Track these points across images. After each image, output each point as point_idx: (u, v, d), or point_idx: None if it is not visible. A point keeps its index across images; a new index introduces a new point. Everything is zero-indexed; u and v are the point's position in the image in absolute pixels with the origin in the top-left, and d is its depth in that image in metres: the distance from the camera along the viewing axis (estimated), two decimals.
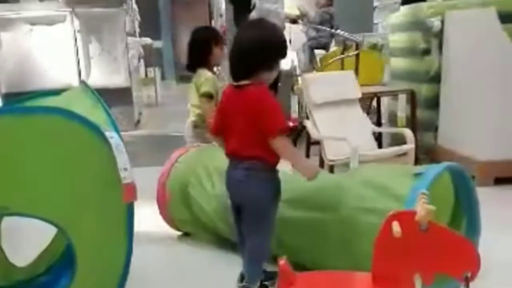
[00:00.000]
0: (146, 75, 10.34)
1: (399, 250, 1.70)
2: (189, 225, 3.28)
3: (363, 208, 2.36)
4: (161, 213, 3.32)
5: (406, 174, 2.43)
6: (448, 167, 2.45)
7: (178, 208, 3.22)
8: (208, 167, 3.16)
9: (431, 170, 2.35)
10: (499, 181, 4.09)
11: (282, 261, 1.86)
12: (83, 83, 2.77)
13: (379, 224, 1.75)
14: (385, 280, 1.76)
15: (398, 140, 4.33)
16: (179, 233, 3.41)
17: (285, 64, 7.25)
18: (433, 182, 2.27)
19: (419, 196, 1.75)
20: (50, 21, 7.06)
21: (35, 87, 6.33)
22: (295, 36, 7.51)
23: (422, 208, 1.69)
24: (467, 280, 1.69)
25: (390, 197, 2.32)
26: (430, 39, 4.61)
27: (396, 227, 1.70)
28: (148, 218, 3.35)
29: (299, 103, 4.62)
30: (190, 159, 3.30)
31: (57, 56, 7.14)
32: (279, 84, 7.37)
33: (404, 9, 5.21)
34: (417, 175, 2.35)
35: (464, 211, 2.57)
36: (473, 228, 2.54)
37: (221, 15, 13.10)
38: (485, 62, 4.03)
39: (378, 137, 4.57)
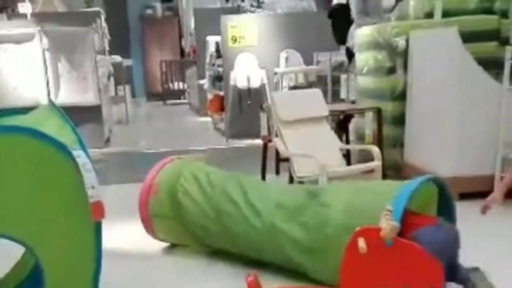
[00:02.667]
0: (116, 93, 10.30)
1: (365, 265, 1.74)
2: (169, 223, 3.26)
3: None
4: (140, 210, 3.26)
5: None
6: (432, 178, 2.53)
7: (162, 203, 3.21)
8: (194, 169, 3.22)
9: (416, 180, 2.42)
10: (464, 196, 4.16)
11: (250, 278, 1.89)
12: (50, 102, 2.77)
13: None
14: None
15: (366, 157, 4.40)
16: (151, 247, 3.40)
17: (254, 82, 7.33)
18: (418, 190, 2.34)
19: (383, 212, 1.79)
20: (18, 40, 7.01)
21: (3, 106, 6.27)
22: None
23: (386, 225, 1.73)
24: None
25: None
26: (395, 58, 4.71)
27: (361, 243, 1.74)
28: (119, 234, 3.35)
29: (268, 121, 4.65)
30: (181, 161, 3.32)
31: (25, 74, 7.08)
32: (249, 102, 7.45)
33: (370, 29, 5.31)
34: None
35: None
36: None
37: (190, 34, 13.17)
38: (449, 81, 4.13)
39: (346, 154, 4.63)
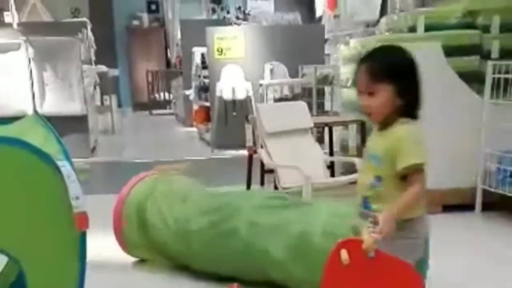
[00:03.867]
0: (102, 102, 10.27)
1: (347, 277, 1.75)
2: (144, 249, 3.32)
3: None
4: (116, 238, 3.33)
5: None
6: None
7: (134, 232, 3.26)
8: (163, 190, 3.23)
9: None
10: (447, 208, 4.22)
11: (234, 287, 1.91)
12: (35, 112, 2.78)
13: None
14: None
15: (350, 168, 4.43)
16: (134, 259, 3.42)
17: (239, 94, 7.37)
18: None
19: (366, 225, 1.81)
20: (4, 49, 7.00)
21: None
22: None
23: (369, 237, 1.75)
24: None
25: None
26: None
27: (344, 254, 1.75)
28: (103, 245, 3.35)
29: (253, 132, 4.68)
30: (146, 185, 3.33)
31: (11, 83, 7.06)
32: (234, 113, 7.48)
33: (354, 42, 5.38)
34: None
35: None
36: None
37: (177, 45, 13.20)
38: (432, 94, 4.13)
39: (330, 166, 4.67)
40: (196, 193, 3.33)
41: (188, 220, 3.07)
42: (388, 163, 1.91)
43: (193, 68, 9.41)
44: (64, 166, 2.12)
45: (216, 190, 3.72)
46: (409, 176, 1.89)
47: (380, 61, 1.96)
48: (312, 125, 4.37)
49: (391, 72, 1.93)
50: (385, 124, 1.98)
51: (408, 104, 1.97)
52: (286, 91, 7.48)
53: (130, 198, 3.28)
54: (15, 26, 7.51)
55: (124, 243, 3.34)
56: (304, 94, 6.99)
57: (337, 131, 5.52)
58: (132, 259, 3.42)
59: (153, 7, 16.74)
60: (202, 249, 3.00)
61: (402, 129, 1.95)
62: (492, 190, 4.02)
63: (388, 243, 1.76)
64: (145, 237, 3.24)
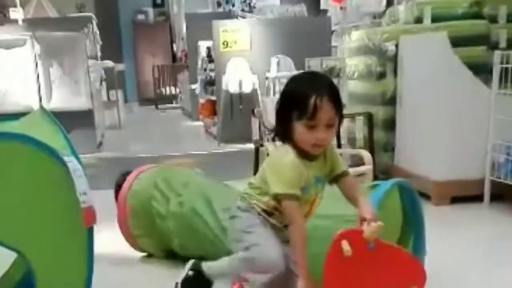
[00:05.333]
0: (108, 98, 10.29)
1: (349, 268, 1.75)
2: (150, 242, 3.30)
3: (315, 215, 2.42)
4: (121, 231, 3.32)
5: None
6: (397, 183, 2.56)
7: (139, 223, 3.24)
8: (168, 178, 3.24)
9: (383, 184, 2.48)
10: (455, 200, 4.20)
11: (235, 286, 1.91)
12: (41, 108, 2.78)
13: (329, 226, 1.81)
14: None
15: (357, 160, 4.42)
16: (140, 254, 3.42)
17: (246, 87, 7.35)
18: (384, 195, 2.38)
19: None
20: (10, 45, 7.00)
21: None
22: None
23: (368, 226, 1.75)
24: None
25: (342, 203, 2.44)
26: (385, 63, 4.74)
27: (346, 246, 1.75)
28: (109, 240, 3.36)
29: (259, 125, 4.66)
30: (149, 176, 3.34)
31: (17, 79, 7.07)
32: (240, 107, 7.47)
33: (360, 33, 5.35)
34: (371, 187, 2.46)
35: (411, 228, 2.68)
36: (420, 245, 2.62)
37: (182, 39, 13.18)
38: (438, 85, 4.17)
39: None
40: (197, 179, 3.32)
41: (191, 203, 3.05)
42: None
43: (199, 62, 9.40)
44: (71, 162, 2.12)
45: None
46: None
47: (337, 91, 1.99)
48: None
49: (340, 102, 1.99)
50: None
51: None
52: None
53: (134, 188, 3.28)
54: (20, 22, 7.53)
55: (129, 235, 3.32)
56: None
57: (343, 124, 5.50)
58: (138, 254, 3.41)
59: (159, 1, 16.76)
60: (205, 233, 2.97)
61: (335, 150, 2.15)
62: (501, 181, 3.99)
63: None
64: (150, 227, 3.23)
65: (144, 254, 3.42)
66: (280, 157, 1.98)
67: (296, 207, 1.94)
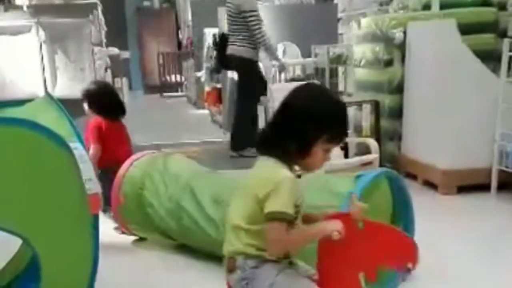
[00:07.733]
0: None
1: (341, 251, 1.75)
2: (142, 228, 3.37)
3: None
4: (114, 216, 3.41)
5: (349, 176, 2.63)
6: (385, 173, 2.60)
7: (132, 211, 3.30)
8: (161, 169, 3.28)
9: (370, 173, 2.57)
10: (462, 189, 4.17)
11: None
12: (47, 94, 2.77)
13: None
14: (332, 281, 1.80)
15: (364, 149, 4.40)
16: (132, 238, 3.50)
17: None
18: (371, 183, 2.47)
19: (351, 197, 1.82)
20: (14, 32, 6.97)
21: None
22: None
23: (354, 207, 1.75)
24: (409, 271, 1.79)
25: (331, 194, 2.49)
26: (393, 51, 4.71)
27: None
28: (108, 225, 3.42)
29: (265, 112, 4.66)
30: (144, 163, 3.37)
31: (22, 66, 7.05)
32: None
33: (367, 20, 5.31)
34: (358, 177, 2.49)
35: (400, 216, 2.76)
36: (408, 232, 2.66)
37: (188, 26, 13.14)
38: (446, 73, 4.13)
39: (344, 147, 4.64)
40: (190, 172, 3.34)
41: (181, 198, 3.09)
42: None
43: (205, 49, 9.36)
44: (77, 148, 2.11)
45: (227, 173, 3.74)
46: None
47: None
48: None
49: None
50: None
51: None
52: (298, 72, 7.41)
53: (129, 176, 3.32)
54: (25, 8, 7.49)
55: (122, 221, 3.39)
56: (317, 74, 6.92)
57: (350, 112, 5.48)
58: (130, 238, 3.49)
59: None
60: (192, 227, 3.02)
61: None
62: (508, 170, 3.97)
63: None
64: (142, 215, 3.27)
65: (136, 238, 3.51)
66: (277, 173, 1.71)
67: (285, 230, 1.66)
